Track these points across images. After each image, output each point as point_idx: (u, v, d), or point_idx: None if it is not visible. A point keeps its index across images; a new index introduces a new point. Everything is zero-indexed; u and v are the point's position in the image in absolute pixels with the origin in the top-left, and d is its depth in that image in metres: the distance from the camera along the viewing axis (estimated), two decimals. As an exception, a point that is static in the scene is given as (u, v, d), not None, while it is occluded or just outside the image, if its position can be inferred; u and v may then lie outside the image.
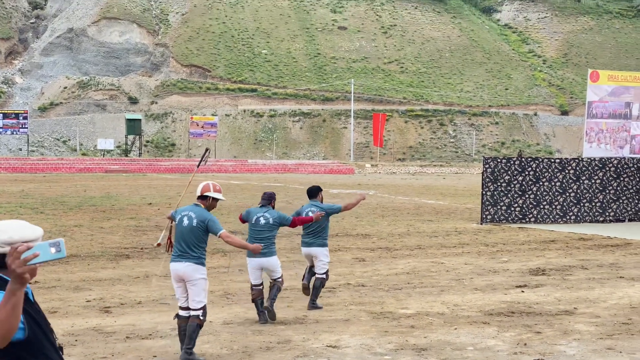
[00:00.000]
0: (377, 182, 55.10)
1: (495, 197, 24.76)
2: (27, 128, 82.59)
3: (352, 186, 46.12)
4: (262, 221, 10.27)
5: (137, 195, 35.81)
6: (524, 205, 25.04)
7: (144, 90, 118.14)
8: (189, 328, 8.36)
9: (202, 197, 8.74)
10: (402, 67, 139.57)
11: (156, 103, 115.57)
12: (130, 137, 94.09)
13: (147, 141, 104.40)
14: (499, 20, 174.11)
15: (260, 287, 10.37)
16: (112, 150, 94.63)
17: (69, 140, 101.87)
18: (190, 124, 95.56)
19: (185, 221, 8.54)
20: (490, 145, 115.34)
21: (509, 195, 24.89)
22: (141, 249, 17.63)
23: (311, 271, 11.66)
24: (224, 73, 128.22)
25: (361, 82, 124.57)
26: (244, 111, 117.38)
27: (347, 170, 78.35)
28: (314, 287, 11.41)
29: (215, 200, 8.79)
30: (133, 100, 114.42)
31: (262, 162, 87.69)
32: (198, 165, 12.90)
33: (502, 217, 24.82)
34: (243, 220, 10.77)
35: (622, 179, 26.31)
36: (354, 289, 13.03)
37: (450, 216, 27.51)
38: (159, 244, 13.10)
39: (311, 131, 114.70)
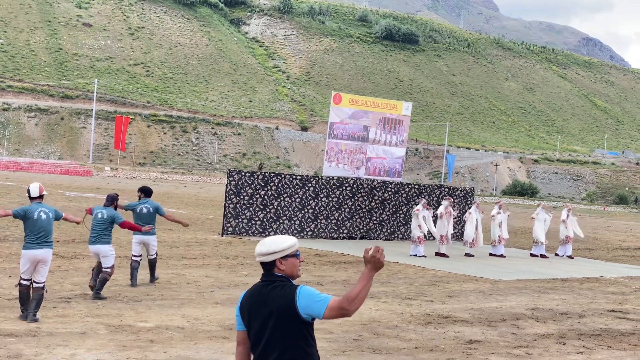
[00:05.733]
0: (117, 186, 53.75)
1: (237, 210, 25.08)
2: None
3: (90, 189, 44.68)
4: (99, 216, 12.78)
5: None
6: (265, 219, 25.58)
7: None
8: (37, 296, 10.74)
9: (40, 197, 11.04)
10: (148, 71, 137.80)
11: None
12: None
13: None
14: (247, 33, 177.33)
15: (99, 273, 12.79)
16: None
17: None
18: None
19: (44, 216, 10.86)
20: (231, 155, 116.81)
21: (251, 208, 25.31)
22: None
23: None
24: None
25: (104, 82, 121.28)
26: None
27: (85, 172, 75.83)
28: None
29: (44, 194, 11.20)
30: None
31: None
32: None
33: (242, 230, 25.17)
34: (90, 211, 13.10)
35: (356, 198, 27.70)
36: (90, 300, 12.57)
37: (192, 226, 27.43)
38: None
39: (47, 129, 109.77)
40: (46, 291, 11.14)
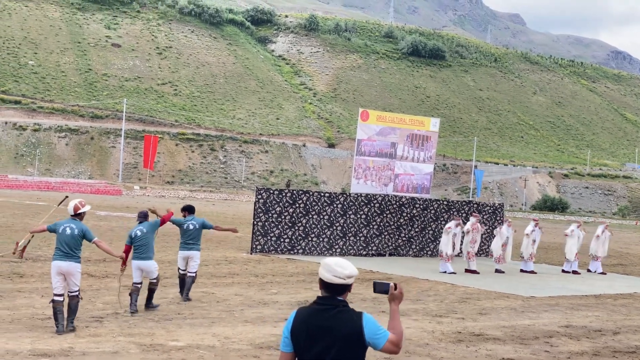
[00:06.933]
0: (146, 205, 54.03)
1: (266, 228, 25.10)
2: None
3: (120, 208, 44.96)
4: (139, 233, 13.35)
5: None
6: (293, 237, 25.57)
7: None
8: (73, 305, 11.43)
9: (76, 215, 11.67)
10: (175, 90, 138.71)
11: None
12: None
13: None
14: (273, 50, 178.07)
15: (139, 285, 13.36)
16: None
17: None
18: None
19: (68, 231, 11.44)
20: (259, 173, 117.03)
21: (280, 226, 25.33)
22: None
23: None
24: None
25: (133, 102, 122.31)
26: (6, 123, 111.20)
27: (115, 191, 76.38)
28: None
29: (84, 213, 11.81)
30: None
31: (23, 178, 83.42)
32: (58, 205, 15.05)
33: (271, 248, 25.18)
34: (129, 246, 13.39)
35: (385, 215, 27.61)
36: (122, 319, 12.63)
37: (221, 244, 27.52)
38: (16, 249, 13.37)
39: (78, 148, 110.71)
40: (81, 298, 11.72)
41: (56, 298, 11.44)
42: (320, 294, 4.57)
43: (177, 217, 15.42)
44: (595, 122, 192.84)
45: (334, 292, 4.48)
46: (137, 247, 13.38)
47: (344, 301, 4.49)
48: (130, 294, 13.39)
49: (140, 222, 13.72)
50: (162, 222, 13.82)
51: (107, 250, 11.94)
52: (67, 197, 15.94)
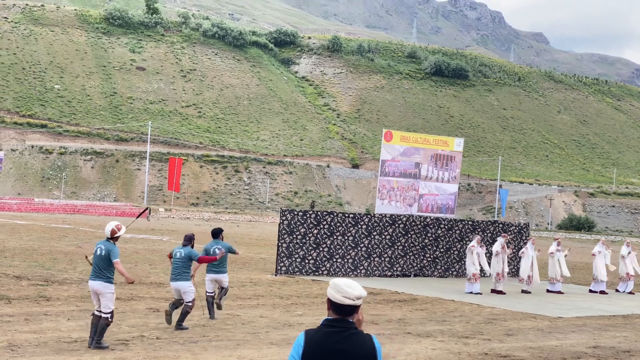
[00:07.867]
0: (171, 227, 54.27)
1: (290, 249, 25.08)
2: None
3: (145, 231, 45.11)
4: (178, 255, 14.11)
5: None
6: (318, 258, 25.52)
7: None
8: (100, 325, 11.80)
9: (112, 238, 12.20)
10: (199, 112, 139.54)
11: None
12: None
13: None
14: (296, 72, 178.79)
15: (177, 304, 14.05)
16: None
17: None
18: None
19: (98, 252, 12.09)
20: (283, 194, 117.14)
21: (304, 247, 25.29)
22: None
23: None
24: (12, 106, 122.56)
25: (158, 124, 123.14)
26: (32, 147, 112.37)
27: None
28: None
29: (120, 236, 12.33)
30: None
31: (49, 201, 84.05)
32: (137, 217, 16.31)
33: (296, 269, 25.14)
34: (170, 255, 14.44)
35: (409, 235, 27.52)
36: (148, 342, 12.64)
37: (245, 266, 27.53)
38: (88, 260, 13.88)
39: (103, 171, 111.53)
40: (111, 321, 12.05)
41: (95, 312, 12.14)
42: (327, 316, 4.57)
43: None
44: (620, 140, 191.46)
45: (343, 313, 4.47)
46: (173, 269, 14.13)
47: (353, 323, 4.47)
48: (165, 311, 14.10)
49: (183, 245, 14.38)
50: (199, 261, 14.49)
51: (122, 272, 12.09)
52: (147, 208, 17.10)
